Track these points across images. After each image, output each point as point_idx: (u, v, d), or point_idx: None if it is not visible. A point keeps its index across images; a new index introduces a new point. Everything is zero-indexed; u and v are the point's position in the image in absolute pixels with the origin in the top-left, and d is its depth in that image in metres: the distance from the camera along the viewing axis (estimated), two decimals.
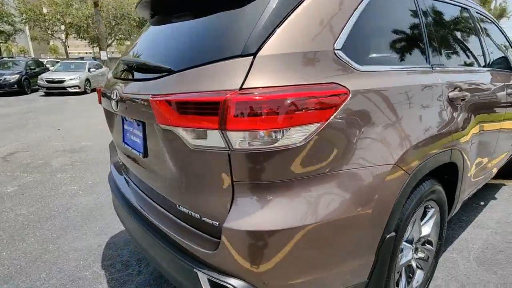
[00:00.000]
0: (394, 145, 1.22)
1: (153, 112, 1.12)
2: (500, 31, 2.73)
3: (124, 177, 1.81)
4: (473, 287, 1.87)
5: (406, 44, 1.51)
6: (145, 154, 1.38)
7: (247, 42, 1.01)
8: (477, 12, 2.30)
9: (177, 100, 1.04)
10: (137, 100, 1.27)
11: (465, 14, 2.14)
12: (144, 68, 1.31)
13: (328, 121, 1.02)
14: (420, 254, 1.71)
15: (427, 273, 1.75)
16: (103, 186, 3.49)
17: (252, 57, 0.99)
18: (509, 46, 2.88)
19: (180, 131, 1.06)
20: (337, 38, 1.12)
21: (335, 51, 1.11)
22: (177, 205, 1.25)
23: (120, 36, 31.70)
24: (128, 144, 1.56)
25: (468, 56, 2.09)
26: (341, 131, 1.07)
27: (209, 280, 1.08)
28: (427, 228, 1.66)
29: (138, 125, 1.40)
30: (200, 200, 1.14)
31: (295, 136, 0.97)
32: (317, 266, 1.11)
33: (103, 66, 17.10)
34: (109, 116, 1.80)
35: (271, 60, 1.00)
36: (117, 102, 1.43)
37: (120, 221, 1.81)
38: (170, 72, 1.15)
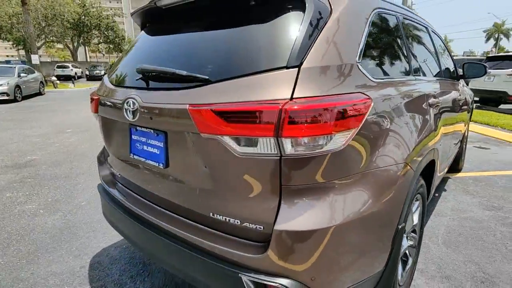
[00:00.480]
0: (403, 146, 1.39)
1: (193, 122, 1.12)
2: (442, 42, 3.20)
3: (121, 189, 1.73)
4: (447, 266, 2.16)
5: (396, 58, 1.73)
6: (166, 165, 1.35)
7: (290, 55, 1.08)
8: (432, 30, 2.70)
9: (225, 109, 1.06)
10: (167, 110, 1.24)
11: (426, 32, 2.50)
12: (171, 77, 1.28)
13: (360, 126, 1.14)
14: (410, 242, 1.93)
15: (413, 259, 1.98)
16: (67, 203, 3.19)
17: (297, 69, 1.06)
18: (449, 57, 3.39)
19: (226, 139, 1.08)
20: (358, 52, 1.26)
21: (357, 63, 1.24)
22: (210, 214, 1.25)
23: (51, 38, 28.86)
24: (139, 155, 1.50)
25: (430, 68, 2.43)
26: (367, 136, 1.20)
27: (256, 283, 1.11)
28: (416, 218, 1.89)
29: (157, 135, 1.36)
30: (241, 206, 1.16)
31: (338, 141, 1.07)
32: (353, 258, 1.21)
33: (35, 71, 15.40)
34: (109, 126, 1.70)
35: (312, 72, 1.08)
36: (134, 111, 1.37)
37: (122, 235, 1.72)
38: (207, 82, 1.16)
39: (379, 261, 1.35)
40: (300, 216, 1.08)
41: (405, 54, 1.80)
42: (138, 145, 1.51)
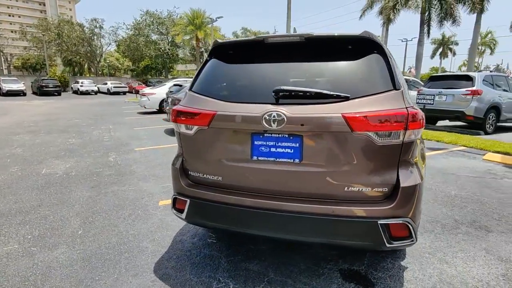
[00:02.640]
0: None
1: (347, 124, 1.69)
2: None
3: (233, 187, 2.01)
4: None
5: None
6: (301, 159, 1.82)
7: (394, 82, 1.80)
8: None
9: (372, 115, 1.68)
10: (317, 118, 1.74)
11: None
12: (308, 95, 1.77)
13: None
14: None
15: None
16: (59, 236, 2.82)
17: (400, 90, 1.79)
18: None
19: (371, 134, 1.70)
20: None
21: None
22: (345, 188, 1.81)
23: None
24: (264, 157, 1.88)
25: None
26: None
27: (386, 225, 1.74)
28: None
29: (292, 138, 1.82)
30: (372, 177, 1.78)
31: (419, 132, 1.85)
32: (422, 205, 2.00)
33: None
34: (223, 136, 1.98)
35: (404, 92, 1.83)
36: (279, 121, 1.78)
37: (232, 228, 2.08)
38: (347, 98, 1.74)
39: None
40: (411, 177, 1.80)
41: None
42: (263, 148, 1.89)
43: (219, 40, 2.19)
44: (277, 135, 1.86)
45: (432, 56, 58.56)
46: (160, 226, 2.98)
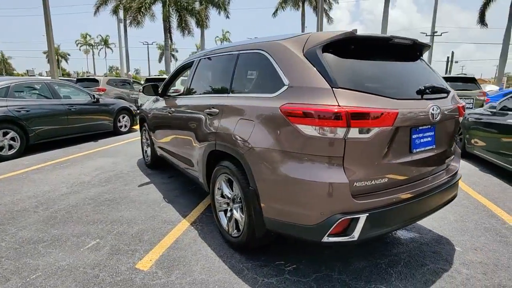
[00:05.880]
0: None
1: (458, 112, 2.23)
2: None
3: (394, 184, 1.98)
4: None
5: None
6: (435, 145, 2.16)
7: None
8: None
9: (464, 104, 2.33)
10: (452, 109, 2.12)
11: None
12: (438, 90, 2.09)
13: None
14: None
15: None
16: None
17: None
18: None
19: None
20: None
21: None
22: (448, 162, 2.36)
23: None
24: (418, 148, 2.02)
25: None
26: None
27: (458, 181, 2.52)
28: None
29: (431, 127, 2.10)
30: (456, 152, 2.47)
31: None
32: None
33: None
34: (392, 136, 1.86)
35: None
36: (437, 115, 1.99)
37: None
38: (448, 93, 2.26)
39: None
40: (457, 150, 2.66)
41: None
42: (417, 141, 2.02)
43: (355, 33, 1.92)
44: (427, 127, 2.06)
45: (159, 60, 65.53)
46: None
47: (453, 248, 2.59)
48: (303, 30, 30.18)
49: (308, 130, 1.79)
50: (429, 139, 2.14)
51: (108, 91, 11.73)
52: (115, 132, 7.90)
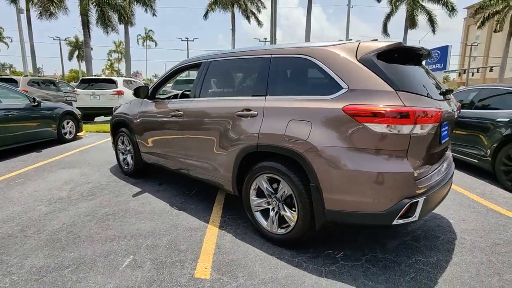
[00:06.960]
0: None
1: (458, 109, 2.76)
2: None
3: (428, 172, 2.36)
4: None
5: None
6: (448, 138, 2.64)
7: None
8: None
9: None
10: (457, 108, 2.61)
11: None
12: (448, 91, 2.55)
13: None
14: None
15: None
16: None
17: None
18: None
19: None
20: None
21: None
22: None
23: None
24: (443, 139, 2.46)
25: None
26: None
27: None
28: None
29: (446, 123, 2.56)
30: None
31: None
32: None
33: None
34: (432, 134, 2.21)
35: None
36: (455, 112, 2.43)
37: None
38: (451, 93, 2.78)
39: None
40: None
41: None
42: (443, 134, 2.45)
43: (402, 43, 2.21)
44: (446, 122, 2.51)
45: (70, 58, 57.91)
46: None
47: (448, 221, 3.17)
48: (233, 32, 30.68)
49: (378, 128, 2.03)
50: (446, 132, 2.62)
51: (30, 94, 10.09)
52: (59, 140, 6.91)
